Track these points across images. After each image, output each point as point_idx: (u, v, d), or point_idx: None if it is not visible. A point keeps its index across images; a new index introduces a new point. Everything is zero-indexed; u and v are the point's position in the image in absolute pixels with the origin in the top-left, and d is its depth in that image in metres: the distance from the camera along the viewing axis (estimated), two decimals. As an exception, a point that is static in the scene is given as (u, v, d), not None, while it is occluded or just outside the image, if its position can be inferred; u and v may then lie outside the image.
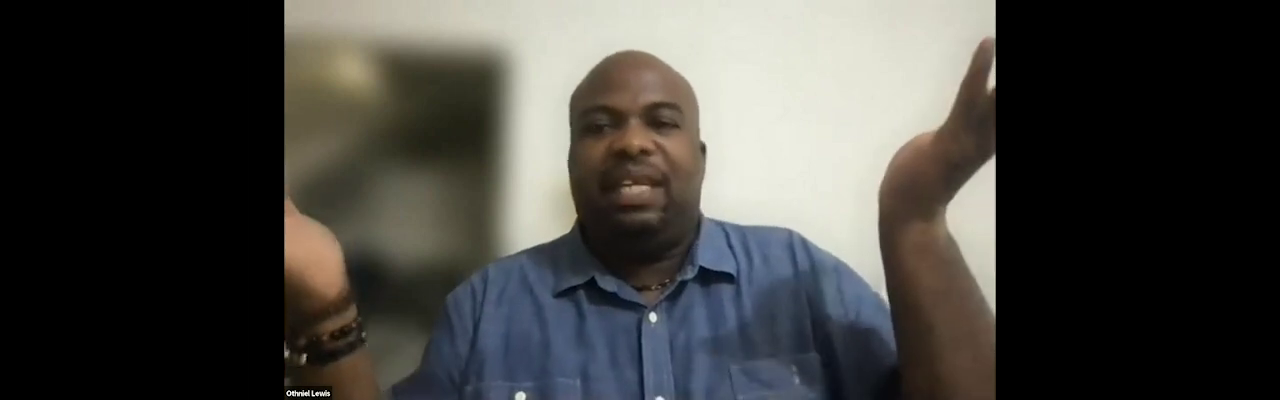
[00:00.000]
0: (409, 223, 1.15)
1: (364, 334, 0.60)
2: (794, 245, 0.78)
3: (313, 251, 0.56)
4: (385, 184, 1.15)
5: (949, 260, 0.58)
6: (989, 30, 0.48)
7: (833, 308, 0.72)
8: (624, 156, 0.69)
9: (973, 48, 0.49)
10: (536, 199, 1.10)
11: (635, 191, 0.69)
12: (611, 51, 0.78)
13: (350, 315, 0.58)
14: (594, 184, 0.70)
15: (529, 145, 1.11)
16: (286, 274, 0.54)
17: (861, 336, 0.71)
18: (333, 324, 0.57)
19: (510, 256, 0.82)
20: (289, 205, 0.57)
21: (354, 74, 1.14)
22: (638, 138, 0.69)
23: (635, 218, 0.69)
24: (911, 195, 0.56)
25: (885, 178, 0.59)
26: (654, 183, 0.70)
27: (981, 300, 0.58)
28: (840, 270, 0.76)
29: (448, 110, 1.15)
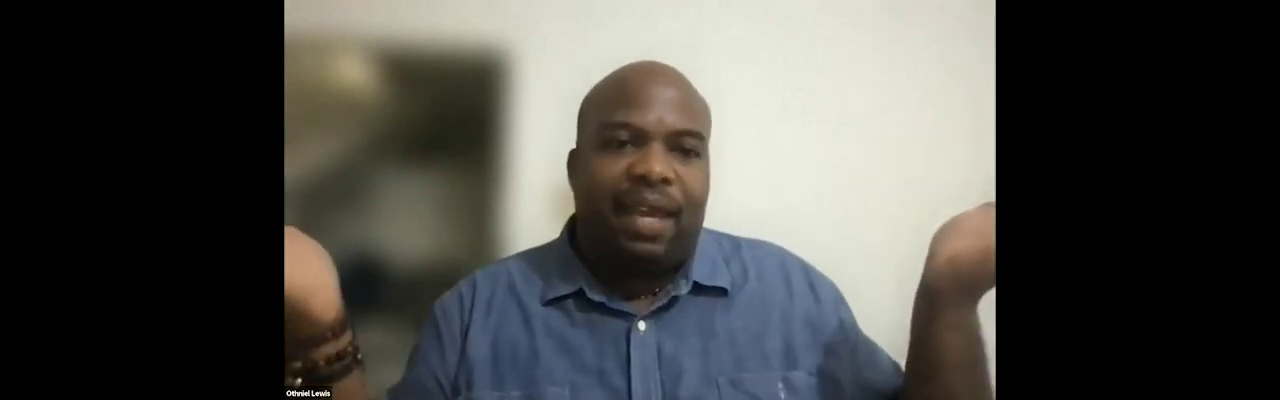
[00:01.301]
0: (409, 223, 1.15)
1: (360, 356, 0.58)
2: (787, 263, 0.78)
3: (312, 277, 0.54)
4: (385, 184, 1.15)
5: (979, 335, 0.61)
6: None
7: (834, 335, 0.74)
8: (643, 181, 0.67)
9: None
10: (536, 199, 1.10)
11: (648, 222, 0.67)
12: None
13: (346, 339, 0.56)
14: (608, 204, 0.69)
15: (529, 145, 1.11)
16: (286, 299, 0.51)
17: (864, 362, 0.74)
18: (330, 349, 0.55)
19: (497, 262, 0.81)
20: (287, 226, 0.54)
21: (354, 74, 1.14)
22: (660, 164, 0.67)
23: (644, 247, 0.68)
24: (978, 287, 0.58)
25: (946, 260, 0.58)
26: (667, 214, 0.68)
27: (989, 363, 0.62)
28: (838, 298, 0.78)
29: (448, 110, 1.15)
